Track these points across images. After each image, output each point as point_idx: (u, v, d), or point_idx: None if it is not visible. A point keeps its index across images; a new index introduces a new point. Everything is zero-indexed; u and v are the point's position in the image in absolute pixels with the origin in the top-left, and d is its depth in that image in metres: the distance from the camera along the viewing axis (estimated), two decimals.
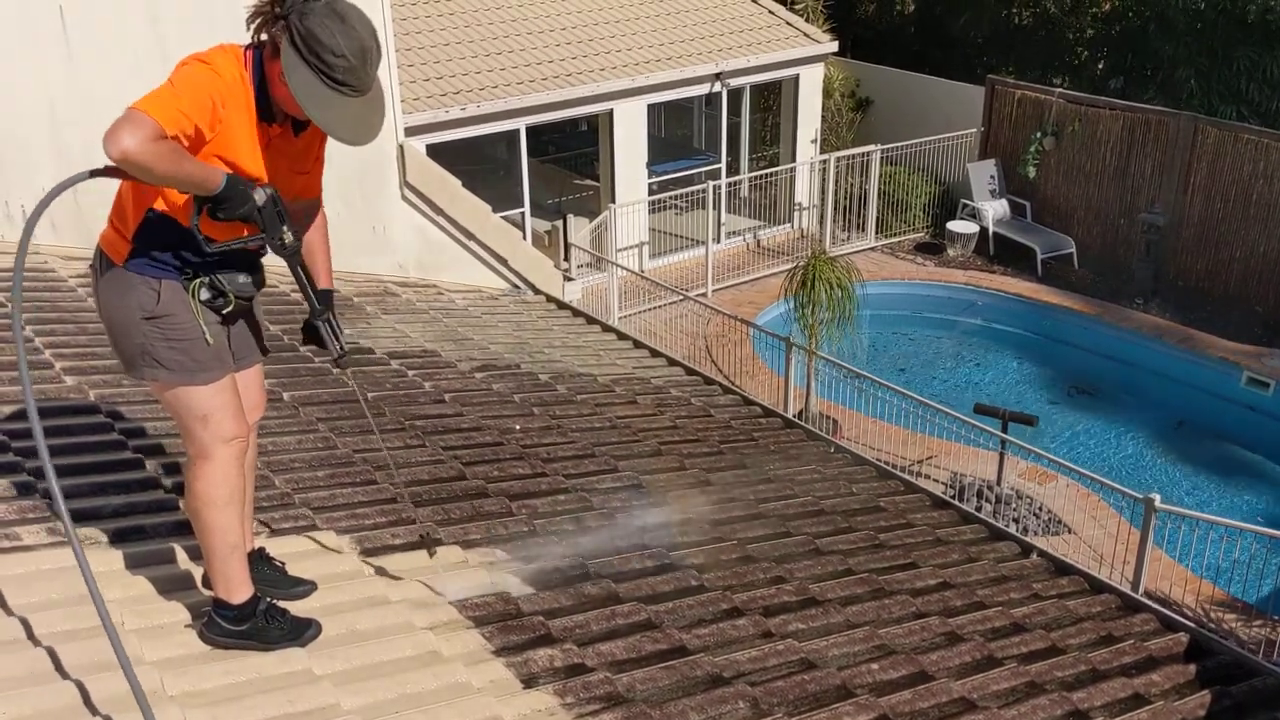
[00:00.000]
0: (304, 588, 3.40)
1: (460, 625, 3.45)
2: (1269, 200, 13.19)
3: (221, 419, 2.96)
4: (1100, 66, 18.49)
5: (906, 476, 5.79)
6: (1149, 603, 4.76)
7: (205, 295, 2.90)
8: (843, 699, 3.48)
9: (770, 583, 4.22)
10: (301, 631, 3.17)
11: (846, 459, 5.95)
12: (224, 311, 2.95)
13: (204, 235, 2.80)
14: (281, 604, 3.20)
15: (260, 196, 2.79)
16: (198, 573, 3.38)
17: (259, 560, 3.30)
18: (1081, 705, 3.76)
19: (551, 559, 4.02)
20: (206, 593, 3.18)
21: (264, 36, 2.78)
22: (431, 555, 3.76)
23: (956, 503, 5.58)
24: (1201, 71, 15.34)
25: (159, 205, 2.81)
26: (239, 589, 3.06)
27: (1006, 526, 9.29)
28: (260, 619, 3.09)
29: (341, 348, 3.16)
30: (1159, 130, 14.02)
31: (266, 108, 2.83)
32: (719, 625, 3.79)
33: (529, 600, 3.69)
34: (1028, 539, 8.87)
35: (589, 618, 3.64)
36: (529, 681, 3.22)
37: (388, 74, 6.81)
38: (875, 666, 3.72)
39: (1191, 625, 4.58)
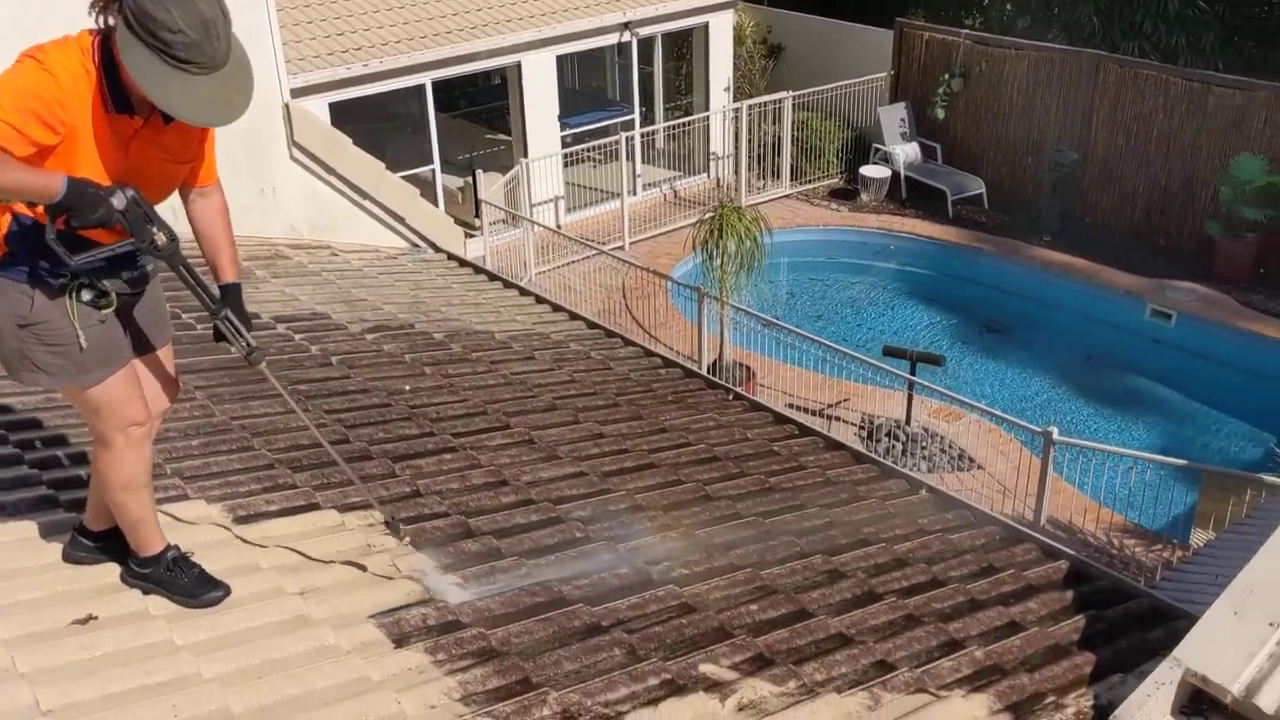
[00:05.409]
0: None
1: (332, 589, 3.42)
2: (1169, 135, 13.45)
3: (113, 410, 2.93)
4: (1008, 7, 18.61)
5: (801, 419, 5.85)
6: (1030, 532, 4.87)
7: (86, 297, 2.82)
8: (720, 640, 3.51)
9: (656, 530, 4.24)
10: (204, 591, 3.19)
11: (744, 406, 5.99)
12: (107, 310, 2.88)
13: (64, 246, 2.68)
14: None
15: (119, 200, 2.66)
16: (56, 550, 3.33)
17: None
18: (957, 635, 3.83)
19: (434, 518, 4.00)
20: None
21: (111, 21, 2.61)
22: (402, 539, 3.64)
23: (847, 443, 5.64)
24: (1103, 10, 15.51)
25: (22, 210, 2.70)
26: (144, 548, 3.19)
27: (917, 465, 9.53)
28: (162, 568, 3.18)
29: (248, 344, 3.04)
30: (1063, 69, 14.19)
31: (123, 99, 2.67)
32: (601, 575, 3.80)
33: (407, 559, 3.67)
34: (935, 476, 9.06)
35: (467, 575, 3.63)
36: (400, 641, 3.21)
37: (268, 32, 6.64)
38: (754, 607, 3.76)
39: (1071, 552, 4.69)
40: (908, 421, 9.96)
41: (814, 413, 10.25)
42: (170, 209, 3.15)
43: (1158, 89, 13.41)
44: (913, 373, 9.75)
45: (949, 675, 3.54)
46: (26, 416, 4.19)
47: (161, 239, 2.77)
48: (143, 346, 3.11)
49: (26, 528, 3.42)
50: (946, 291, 13.72)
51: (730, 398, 6.13)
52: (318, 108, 11.37)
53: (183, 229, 3.02)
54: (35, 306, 2.78)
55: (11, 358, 2.86)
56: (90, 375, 2.88)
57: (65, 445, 4.10)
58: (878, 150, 15.37)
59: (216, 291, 3.08)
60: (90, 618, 3.05)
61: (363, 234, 7.55)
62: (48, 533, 3.42)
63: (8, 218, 2.73)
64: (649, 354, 6.67)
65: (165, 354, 3.22)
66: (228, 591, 3.24)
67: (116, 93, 2.66)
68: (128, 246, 2.77)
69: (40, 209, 2.66)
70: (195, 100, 2.60)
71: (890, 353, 10.25)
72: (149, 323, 3.11)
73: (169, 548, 3.22)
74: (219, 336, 3.08)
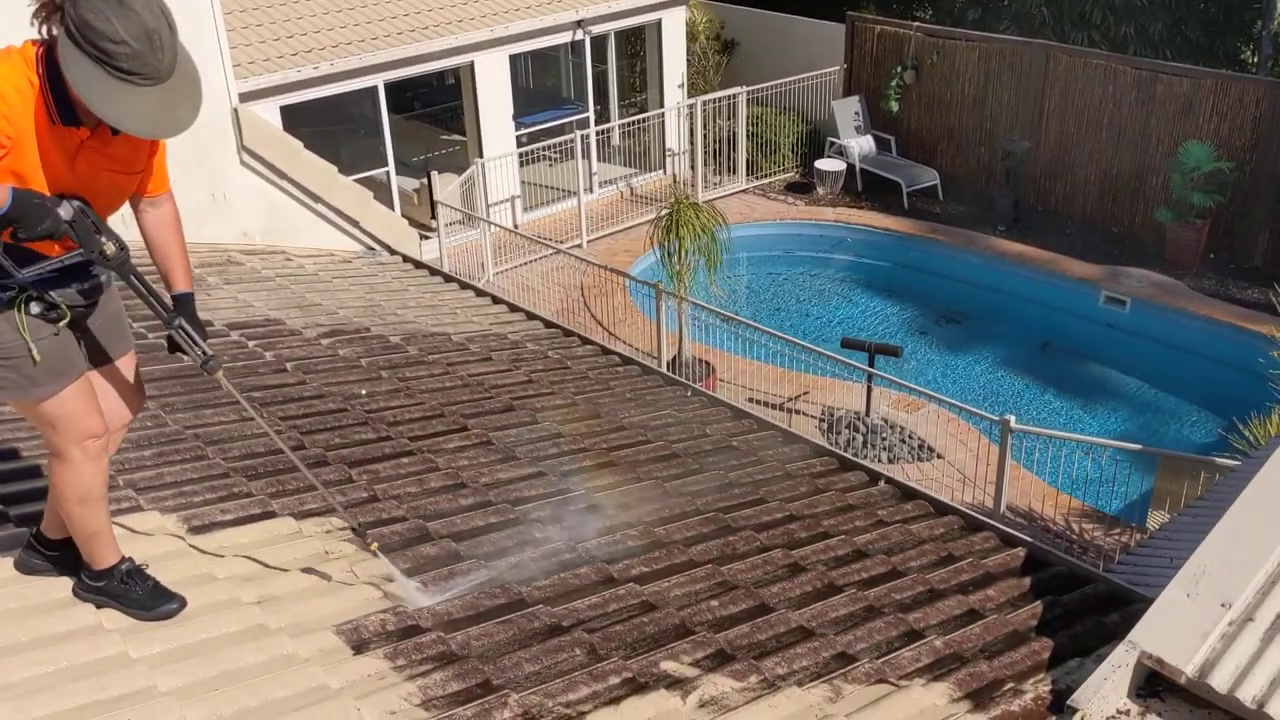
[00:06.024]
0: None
1: (290, 597, 3.39)
2: (1119, 123, 13.62)
3: (69, 425, 2.90)
4: None
5: (761, 414, 5.86)
6: (989, 521, 4.91)
7: (35, 310, 2.78)
8: (681, 637, 3.51)
9: (617, 529, 4.24)
10: (158, 604, 3.16)
11: (702, 402, 6.00)
12: (61, 323, 2.84)
13: (12, 260, 2.65)
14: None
15: (66, 211, 2.63)
16: (6, 566, 3.29)
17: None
18: (917, 625, 3.86)
19: (391, 523, 3.98)
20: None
21: (55, 31, 2.56)
22: (369, 545, 3.45)
23: (806, 437, 5.66)
24: (1052, 0, 15.69)
25: None
26: (98, 561, 3.15)
27: (878, 456, 9.60)
28: (116, 581, 3.15)
29: (204, 353, 2.99)
30: (1013, 59, 14.33)
31: (69, 110, 2.63)
32: (560, 576, 3.79)
33: (365, 565, 3.64)
34: (896, 467, 9.13)
35: (426, 579, 3.61)
36: (359, 647, 3.19)
37: (214, 35, 6.56)
38: (715, 603, 3.77)
39: (1029, 539, 4.74)
40: (867, 413, 10.03)
41: (774, 406, 10.29)
42: (121, 218, 3.12)
43: (1107, 78, 13.58)
44: (871, 364, 9.82)
45: (909, 665, 3.57)
46: None
47: (111, 249, 2.74)
48: (101, 358, 3.07)
49: None
50: (903, 283, 13.83)
51: (689, 394, 6.14)
52: (268, 111, 11.27)
53: (134, 238, 3.00)
54: None
55: None
56: (41, 388, 2.84)
57: (15, 459, 4.03)
58: (832, 144, 15.46)
59: (169, 301, 3.05)
60: None
61: (317, 238, 7.49)
62: None
63: None
64: (606, 352, 6.66)
65: (126, 365, 3.17)
66: (183, 603, 3.21)
67: (62, 104, 2.62)
68: (77, 257, 2.74)
69: None
70: (140, 112, 2.56)
71: (849, 345, 10.32)
72: (106, 334, 3.07)
73: (123, 560, 3.19)
74: (174, 347, 3.03)
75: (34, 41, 2.63)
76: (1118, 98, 13.56)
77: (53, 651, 2.94)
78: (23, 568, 3.27)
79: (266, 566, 3.54)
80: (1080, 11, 15.67)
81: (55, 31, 2.57)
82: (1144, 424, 11.18)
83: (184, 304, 3.02)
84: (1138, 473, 8.79)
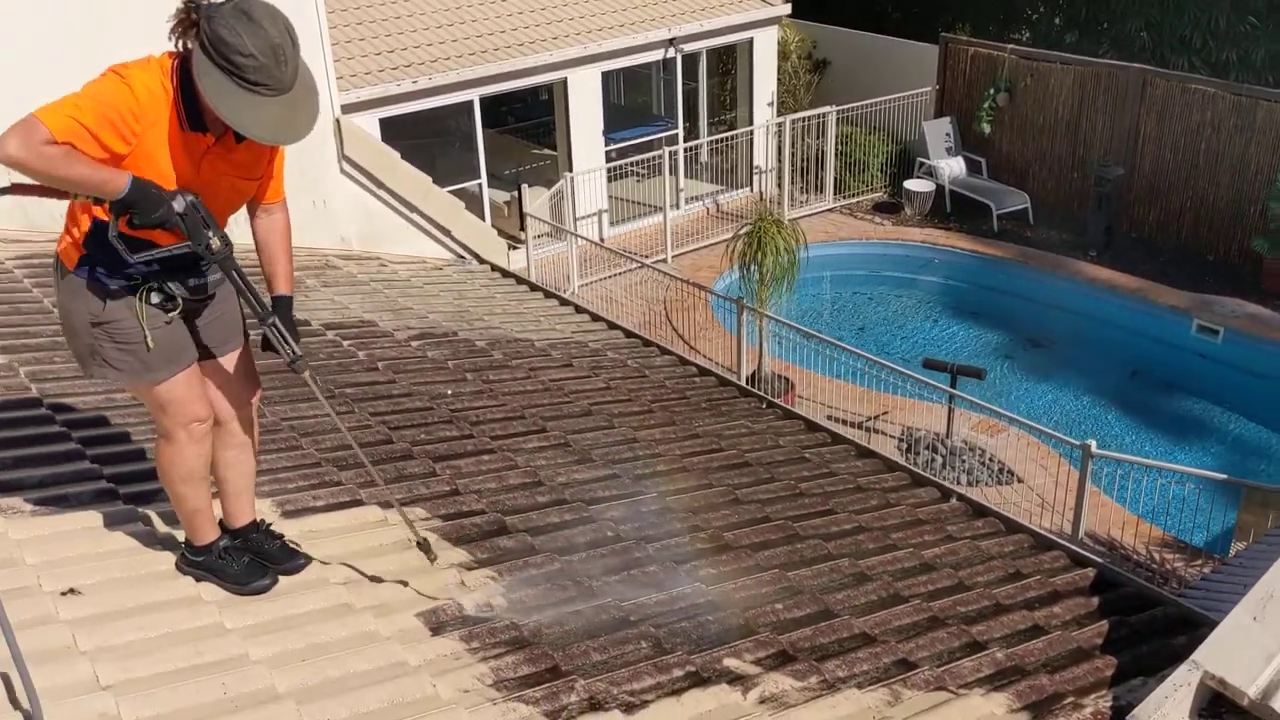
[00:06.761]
0: (299, 561, 3.54)
1: (374, 580, 3.58)
2: (1217, 150, 13.35)
3: (178, 409, 3.12)
4: (1057, 21, 18.59)
5: (834, 429, 5.93)
6: (1059, 540, 4.92)
7: (155, 300, 3.00)
8: (744, 636, 3.62)
9: (686, 531, 4.36)
10: (252, 580, 3.37)
11: (777, 414, 6.09)
12: (173, 313, 3.04)
13: (125, 245, 2.86)
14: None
15: (179, 203, 2.83)
16: (116, 539, 3.52)
17: (259, 534, 3.50)
18: (980, 637, 3.90)
19: (471, 516, 4.15)
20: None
21: (189, 44, 2.79)
22: (432, 560, 3.60)
23: (878, 451, 5.72)
24: (1152, 24, 15.46)
25: (99, 214, 2.88)
26: (199, 538, 3.38)
27: (958, 478, 9.56)
28: (214, 557, 3.37)
29: (294, 352, 3.14)
30: (1109, 83, 14.14)
31: (197, 117, 2.85)
32: (630, 572, 3.93)
33: (445, 554, 3.82)
34: (975, 489, 9.09)
35: (502, 569, 3.78)
36: (437, 629, 3.36)
37: (320, 50, 6.87)
38: (780, 606, 3.86)
39: (1099, 560, 4.74)
40: (948, 434, 9.99)
41: (854, 425, 10.30)
42: (234, 220, 3.34)
43: (1205, 104, 13.33)
44: (953, 386, 9.78)
45: (970, 674, 3.62)
46: (89, 415, 4.40)
47: (216, 243, 2.93)
48: (212, 352, 3.26)
49: (89, 517, 3.61)
50: (990, 306, 13.70)
51: (763, 406, 6.23)
52: (368, 123, 11.65)
53: (246, 241, 3.21)
54: (107, 306, 2.97)
55: (83, 353, 3.06)
56: (156, 373, 3.07)
57: (126, 443, 4.30)
58: (922, 164, 15.40)
59: (269, 301, 3.25)
60: (72, 590, 3.21)
61: (410, 246, 7.76)
62: (110, 522, 3.61)
63: (87, 219, 2.92)
64: (684, 363, 6.80)
65: (241, 357, 3.35)
66: (275, 580, 3.41)
67: (192, 111, 2.84)
68: (184, 249, 2.92)
69: (106, 209, 2.85)
70: (263, 120, 2.78)
71: (931, 365, 10.29)
72: (216, 329, 3.26)
73: (221, 537, 3.41)
74: (266, 344, 3.19)
75: (170, 54, 2.86)
76: (1216, 124, 13.30)
77: (155, 618, 3.15)
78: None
79: (353, 550, 3.73)
80: (1180, 36, 15.41)
81: (190, 45, 2.79)
82: (1235, 456, 10.93)
83: (282, 305, 3.19)
84: (1221, 503, 8.63)
